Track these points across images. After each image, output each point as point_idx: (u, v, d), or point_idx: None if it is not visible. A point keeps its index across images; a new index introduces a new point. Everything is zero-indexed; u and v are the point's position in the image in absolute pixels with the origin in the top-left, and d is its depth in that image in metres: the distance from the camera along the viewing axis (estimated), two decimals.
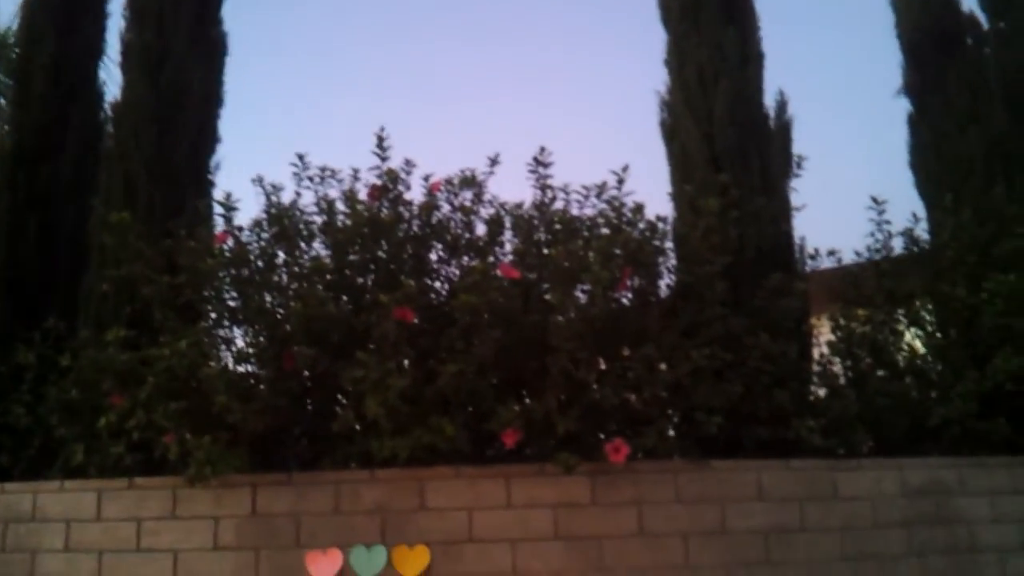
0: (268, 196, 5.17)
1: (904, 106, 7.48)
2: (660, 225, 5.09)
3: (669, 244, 5.23)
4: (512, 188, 5.38)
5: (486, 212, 5.26)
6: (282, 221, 5.02)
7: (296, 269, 4.94)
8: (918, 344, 5.81)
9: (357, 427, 4.62)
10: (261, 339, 4.85)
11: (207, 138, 6.05)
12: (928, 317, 5.84)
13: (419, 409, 4.49)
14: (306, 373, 4.90)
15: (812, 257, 5.82)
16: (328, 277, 4.87)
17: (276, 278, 4.92)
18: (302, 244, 5.08)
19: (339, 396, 4.87)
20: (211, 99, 6.13)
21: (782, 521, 4.77)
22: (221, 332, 5.03)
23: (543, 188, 5.24)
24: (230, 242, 5.02)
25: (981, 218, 5.97)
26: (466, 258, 5.17)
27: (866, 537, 4.86)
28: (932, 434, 5.26)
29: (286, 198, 5.19)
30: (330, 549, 4.51)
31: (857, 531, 4.85)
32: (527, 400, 4.71)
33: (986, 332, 5.42)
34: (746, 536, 4.72)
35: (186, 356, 4.51)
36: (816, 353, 5.71)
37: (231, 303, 5.02)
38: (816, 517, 4.82)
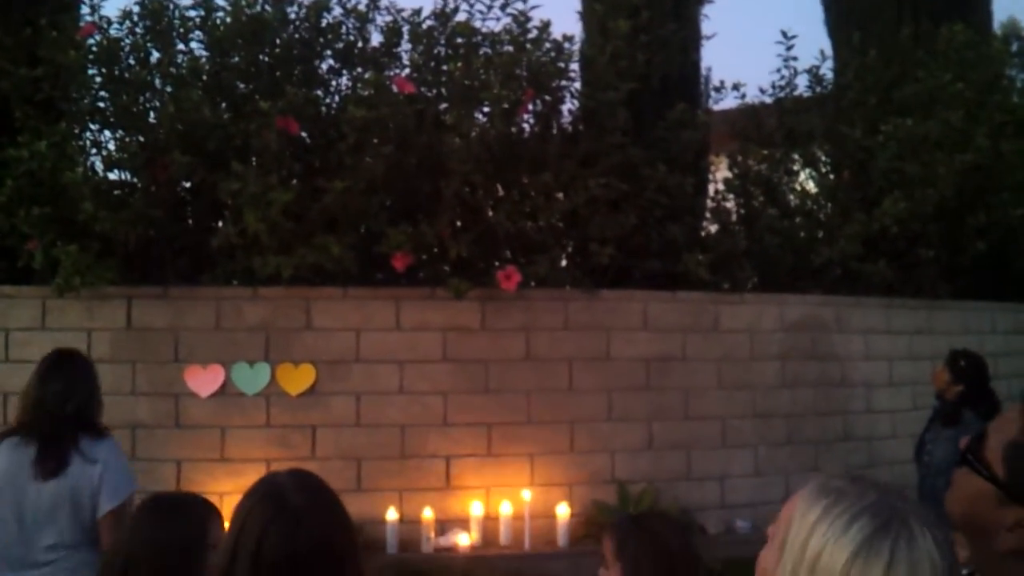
0: None
1: None
2: (566, 46, 4.85)
3: (574, 66, 5.02)
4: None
5: (382, 20, 4.90)
6: (156, 15, 4.56)
7: (172, 70, 4.54)
8: (811, 185, 5.87)
9: (242, 241, 4.41)
10: (133, 144, 4.49)
11: None
12: (824, 158, 5.87)
13: (304, 227, 4.30)
14: (185, 184, 4.62)
15: (717, 89, 5.70)
16: (204, 79, 4.51)
17: (148, 78, 4.52)
18: (178, 42, 4.65)
19: (221, 210, 4.62)
20: None
21: (664, 350, 4.89)
22: (89, 135, 4.64)
23: None
24: (98, 36, 4.56)
25: (887, 60, 5.92)
26: (359, 69, 4.85)
27: (742, 368, 5.04)
28: (816, 273, 5.41)
29: None
30: (211, 365, 4.40)
31: (734, 362, 5.03)
32: (420, 224, 4.58)
33: (878, 175, 5.49)
34: (629, 363, 4.83)
35: (47, 158, 4.16)
36: (712, 189, 5.71)
37: (99, 104, 4.60)
38: (697, 347, 4.95)
